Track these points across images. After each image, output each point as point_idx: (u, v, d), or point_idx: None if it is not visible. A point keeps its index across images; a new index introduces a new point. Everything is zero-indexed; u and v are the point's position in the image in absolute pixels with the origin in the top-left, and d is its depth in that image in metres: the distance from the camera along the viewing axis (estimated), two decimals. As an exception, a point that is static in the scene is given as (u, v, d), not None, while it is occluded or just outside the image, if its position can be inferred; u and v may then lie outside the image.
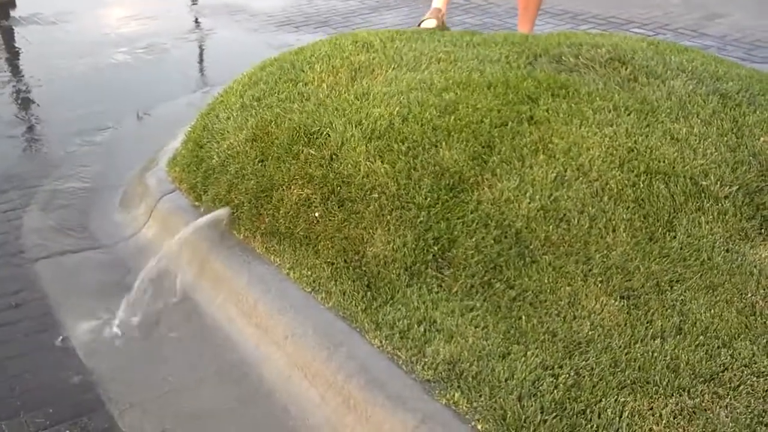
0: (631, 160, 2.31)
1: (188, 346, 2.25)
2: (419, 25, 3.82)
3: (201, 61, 5.40)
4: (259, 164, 2.52)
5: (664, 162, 2.31)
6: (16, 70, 5.03)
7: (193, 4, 7.06)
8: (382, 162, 2.33)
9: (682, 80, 2.78)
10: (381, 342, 1.91)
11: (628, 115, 2.51)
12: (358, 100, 2.65)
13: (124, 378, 2.14)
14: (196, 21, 6.33)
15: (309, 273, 2.20)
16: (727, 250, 2.08)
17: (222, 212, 2.49)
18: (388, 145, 2.39)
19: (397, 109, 2.53)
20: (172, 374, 2.14)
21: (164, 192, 2.83)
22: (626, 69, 2.84)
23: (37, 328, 2.36)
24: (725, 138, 2.45)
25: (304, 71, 2.97)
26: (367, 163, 2.34)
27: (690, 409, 1.65)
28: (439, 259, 2.10)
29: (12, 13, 6.45)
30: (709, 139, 2.43)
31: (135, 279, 2.46)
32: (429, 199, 2.21)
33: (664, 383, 1.70)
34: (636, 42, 3.22)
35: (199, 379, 2.12)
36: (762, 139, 2.46)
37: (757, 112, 2.60)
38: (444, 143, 2.38)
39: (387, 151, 2.37)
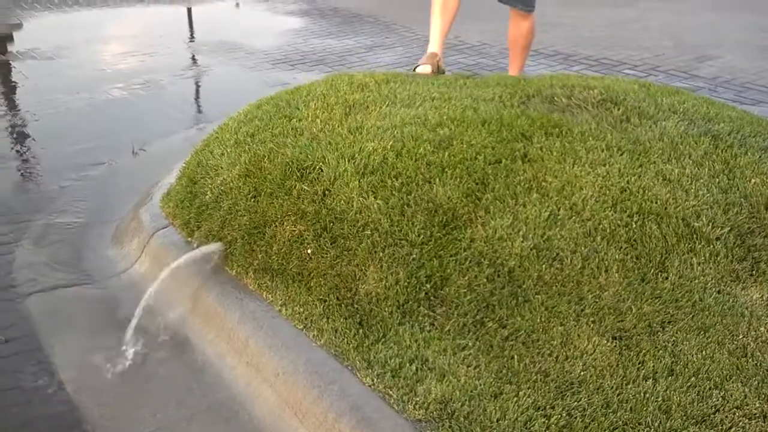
0: (624, 200, 2.32)
1: (178, 383, 2.23)
2: (414, 69, 3.86)
3: (197, 97, 5.44)
4: (252, 200, 2.52)
5: (656, 203, 2.32)
6: (12, 105, 5.05)
7: (191, 41, 7.13)
8: (375, 198, 2.34)
9: (674, 121, 2.81)
10: (373, 380, 1.90)
11: (621, 155, 2.53)
12: (352, 134, 2.66)
13: (113, 414, 2.12)
14: (193, 58, 6.38)
15: (301, 310, 2.19)
16: (719, 292, 2.09)
17: (214, 247, 2.49)
18: (381, 180, 2.40)
19: (390, 143, 2.55)
20: (161, 411, 2.12)
21: (157, 227, 2.83)
22: (618, 109, 2.87)
23: (27, 362, 2.34)
24: (717, 179, 2.47)
25: (299, 109, 3.00)
26: (360, 198, 2.34)
27: (682, 452, 1.64)
28: (432, 297, 2.09)
29: (10, 48, 6.50)
30: (701, 180, 2.45)
31: (126, 315, 2.45)
32: (422, 236, 2.22)
33: (656, 425, 1.69)
34: (628, 84, 3.26)
35: (189, 417, 2.10)
36: (753, 180, 2.48)
37: (749, 154, 2.63)
38: (438, 179, 2.39)
39: (380, 186, 2.38)
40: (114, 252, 2.98)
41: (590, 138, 2.62)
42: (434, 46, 3.97)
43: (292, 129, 2.81)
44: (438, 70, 3.83)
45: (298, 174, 2.51)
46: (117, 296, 2.68)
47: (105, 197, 3.53)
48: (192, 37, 7.37)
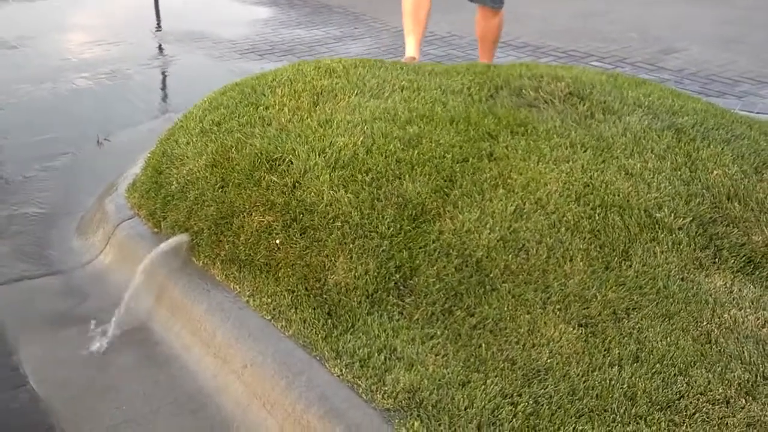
0: (587, 194, 2.35)
1: (144, 376, 2.21)
2: None
3: (163, 87, 5.38)
4: (220, 190, 2.50)
5: (618, 196, 2.35)
6: (-27, 94, 4.96)
7: (157, 30, 7.05)
8: (345, 191, 2.34)
9: (638, 116, 2.84)
10: (341, 371, 1.90)
11: (584, 151, 2.56)
12: (321, 127, 2.66)
13: (77, 407, 2.09)
14: (160, 47, 6.31)
15: (269, 301, 2.18)
16: (683, 279, 2.12)
17: (181, 239, 2.47)
18: (352, 175, 2.40)
19: (361, 139, 2.55)
20: (127, 404, 2.10)
21: (122, 218, 2.80)
22: (584, 105, 2.90)
23: (-10, 354, 2.31)
24: (679, 172, 2.51)
25: (265, 95, 2.97)
26: (331, 191, 2.34)
27: (647, 437, 1.66)
28: (401, 287, 2.10)
29: (-29, 37, 6.38)
30: (663, 174, 2.48)
31: (91, 306, 2.42)
32: (392, 228, 2.22)
33: (622, 411, 1.71)
34: (595, 75, 3.29)
35: (155, 410, 2.08)
36: (715, 172, 2.52)
37: (711, 146, 2.67)
38: (407, 176, 2.40)
39: (351, 181, 2.38)
40: (79, 243, 2.94)
41: (555, 136, 2.65)
42: (411, 50, 4.02)
43: (259, 118, 2.80)
44: None
45: (268, 165, 2.50)
46: (82, 287, 2.65)
47: (69, 188, 3.48)
48: (158, 26, 7.28)
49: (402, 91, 2.97)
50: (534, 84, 3.03)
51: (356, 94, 2.91)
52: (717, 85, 5.02)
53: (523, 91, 2.98)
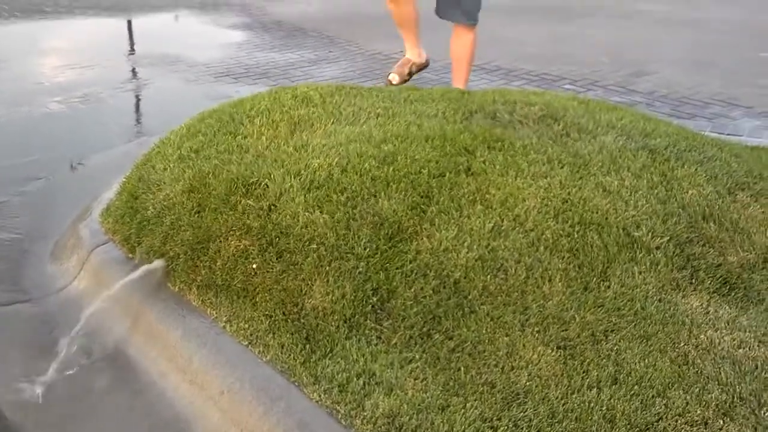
0: (566, 210, 2.36)
1: (119, 402, 2.17)
2: (388, 76, 4.49)
3: (137, 110, 5.35)
4: (196, 215, 2.49)
5: (597, 213, 2.37)
6: (-55, 118, 4.89)
7: (131, 53, 7.02)
8: (321, 212, 2.33)
9: (612, 136, 2.87)
10: (320, 396, 1.88)
11: (562, 167, 2.58)
12: (297, 151, 2.65)
13: (51, 437, 2.06)
14: (134, 71, 6.28)
15: (246, 326, 2.16)
16: (660, 300, 2.13)
17: (156, 264, 2.44)
18: (327, 195, 2.39)
19: (336, 159, 2.55)
20: (102, 431, 2.07)
21: (97, 243, 2.76)
22: (559, 125, 2.92)
23: (-40, 384, 2.26)
24: (655, 190, 2.53)
25: (243, 124, 2.97)
26: (306, 213, 2.33)
27: (627, 459, 1.66)
28: (378, 311, 2.09)
29: (-58, 61, 6.30)
30: (640, 192, 2.50)
31: (64, 333, 2.38)
32: (368, 249, 2.21)
33: (602, 433, 1.71)
34: (567, 100, 3.33)
35: (131, 437, 2.05)
36: (690, 192, 2.55)
37: (685, 167, 2.70)
38: (383, 193, 2.39)
39: (326, 201, 2.37)
40: (52, 268, 2.89)
41: (532, 152, 2.66)
42: (407, 54, 4.50)
43: (237, 146, 2.79)
44: (409, 74, 4.44)
45: (244, 190, 2.49)
46: (55, 314, 2.60)
47: (43, 213, 3.43)
48: (132, 49, 7.26)
49: (377, 117, 2.98)
50: (508, 108, 3.05)
51: (332, 122, 2.91)
52: (688, 107, 5.10)
53: (498, 114, 3.01)
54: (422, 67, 4.62)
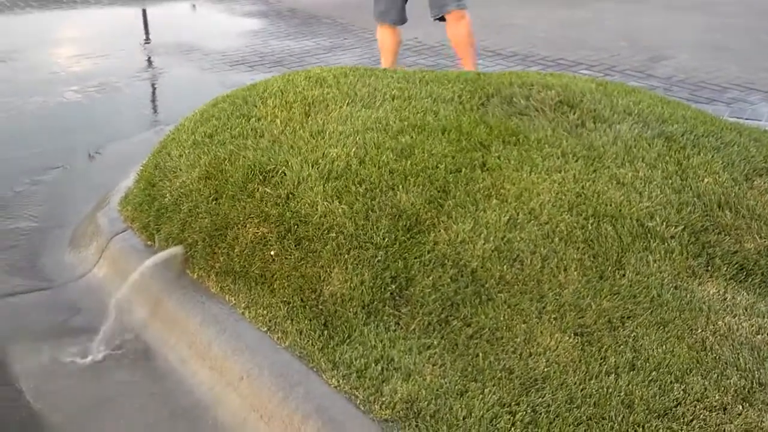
0: (580, 204, 2.37)
1: (139, 389, 2.20)
2: None
3: (153, 99, 5.38)
4: (213, 202, 2.50)
5: (610, 205, 2.37)
6: (-38, 109, 4.94)
7: (146, 43, 7.05)
8: (339, 202, 2.34)
9: (628, 124, 2.86)
10: (338, 381, 1.90)
11: (576, 161, 2.58)
12: (314, 138, 2.66)
13: (73, 421, 2.08)
14: (149, 60, 6.31)
15: (265, 312, 2.18)
16: (676, 287, 2.13)
17: (175, 251, 2.46)
18: (345, 186, 2.40)
19: (353, 149, 2.55)
20: (123, 418, 2.09)
21: (116, 231, 2.79)
22: (574, 113, 2.91)
23: (-16, 370, 2.30)
24: (670, 180, 2.52)
25: (257, 107, 2.98)
26: (325, 203, 2.34)
27: (644, 445, 1.67)
28: (397, 297, 2.10)
29: (-41, 51, 6.35)
30: (654, 182, 2.50)
31: (85, 320, 2.41)
32: (386, 239, 2.23)
33: (620, 419, 1.72)
34: (585, 83, 3.31)
35: (151, 423, 2.07)
36: (706, 180, 2.54)
37: (701, 154, 2.69)
38: (401, 186, 2.41)
39: (345, 192, 2.38)
40: (72, 257, 2.93)
41: (546, 145, 2.66)
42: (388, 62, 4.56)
43: (251, 130, 2.80)
44: None
45: (261, 177, 2.50)
46: (76, 301, 2.64)
47: (61, 202, 3.47)
48: (147, 38, 7.29)
49: (393, 100, 2.98)
50: (524, 92, 3.04)
51: (348, 103, 2.92)
52: (706, 91, 5.06)
53: (514, 99, 3.00)
54: None
